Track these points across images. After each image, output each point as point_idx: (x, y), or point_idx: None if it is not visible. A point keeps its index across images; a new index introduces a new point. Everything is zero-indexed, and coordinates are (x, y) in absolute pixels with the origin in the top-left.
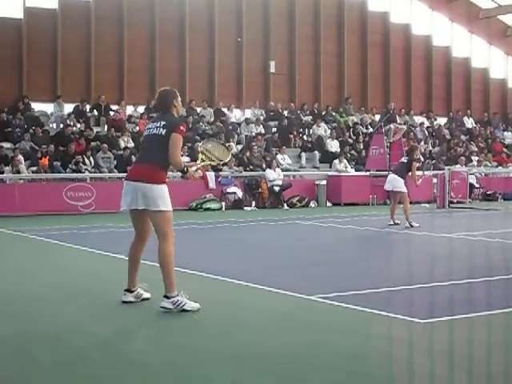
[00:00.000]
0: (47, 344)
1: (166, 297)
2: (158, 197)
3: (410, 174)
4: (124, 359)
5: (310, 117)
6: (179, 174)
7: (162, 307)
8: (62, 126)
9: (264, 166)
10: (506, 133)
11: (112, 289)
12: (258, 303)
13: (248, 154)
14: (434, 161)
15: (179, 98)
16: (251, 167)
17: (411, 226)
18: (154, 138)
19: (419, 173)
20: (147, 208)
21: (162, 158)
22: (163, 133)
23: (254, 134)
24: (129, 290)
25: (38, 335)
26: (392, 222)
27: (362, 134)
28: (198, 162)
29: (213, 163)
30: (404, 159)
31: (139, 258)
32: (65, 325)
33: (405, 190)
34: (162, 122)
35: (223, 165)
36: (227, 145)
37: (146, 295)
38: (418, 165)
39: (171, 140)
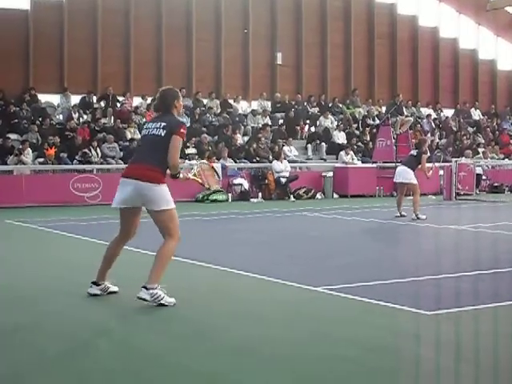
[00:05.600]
0: (51, 336)
1: (144, 288)
2: (160, 197)
3: (420, 166)
4: (128, 350)
5: (317, 108)
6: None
7: (139, 297)
8: (68, 117)
9: (271, 157)
10: None
11: (117, 279)
12: (264, 295)
13: (255, 145)
14: (440, 153)
15: (181, 99)
16: (258, 159)
17: (418, 218)
18: (154, 139)
19: (429, 164)
20: (147, 208)
21: (162, 159)
22: (163, 134)
23: (260, 125)
24: (95, 283)
25: (42, 327)
26: (399, 214)
27: (369, 125)
28: (191, 174)
29: (200, 182)
30: (413, 152)
31: (117, 254)
32: (70, 316)
33: (415, 181)
34: (163, 124)
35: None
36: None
37: (114, 289)
38: (427, 156)
39: (172, 142)
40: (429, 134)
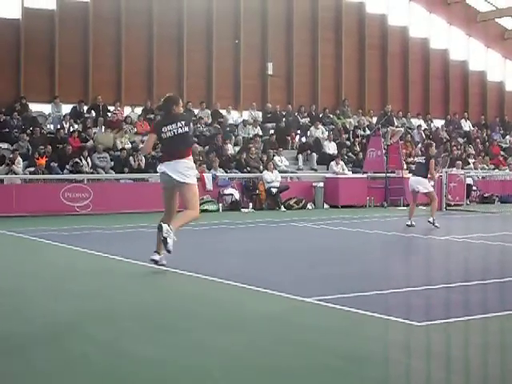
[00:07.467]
0: (42, 343)
1: (168, 225)
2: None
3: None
4: (115, 358)
5: (308, 119)
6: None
7: (158, 228)
8: (59, 126)
9: (261, 167)
10: (507, 137)
11: (105, 289)
12: (253, 305)
13: (245, 155)
14: (442, 157)
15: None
16: (248, 169)
17: (434, 224)
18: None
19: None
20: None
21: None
22: (186, 129)
23: (251, 135)
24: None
25: (28, 334)
26: (409, 223)
27: (360, 136)
28: None
29: None
30: (421, 159)
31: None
32: (57, 323)
33: (431, 188)
34: (183, 122)
35: None
36: None
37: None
38: (434, 161)
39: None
40: (419, 145)
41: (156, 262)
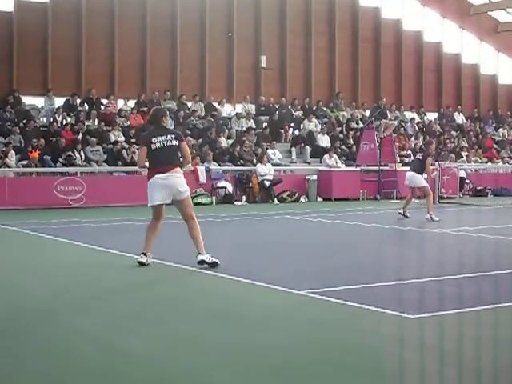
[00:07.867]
0: (38, 340)
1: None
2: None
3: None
4: (113, 354)
5: (301, 112)
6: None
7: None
8: (52, 119)
9: (255, 160)
10: (500, 130)
11: (101, 283)
12: (247, 298)
13: (239, 148)
14: (444, 152)
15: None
16: (242, 162)
17: (432, 219)
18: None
19: (432, 167)
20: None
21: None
22: (176, 143)
23: (244, 128)
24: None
25: (22, 331)
26: (402, 212)
27: (353, 129)
28: None
29: None
30: (419, 156)
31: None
32: (52, 321)
33: (425, 184)
34: (173, 136)
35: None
36: None
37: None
38: (431, 159)
39: (185, 147)
40: (412, 138)
41: (143, 264)
